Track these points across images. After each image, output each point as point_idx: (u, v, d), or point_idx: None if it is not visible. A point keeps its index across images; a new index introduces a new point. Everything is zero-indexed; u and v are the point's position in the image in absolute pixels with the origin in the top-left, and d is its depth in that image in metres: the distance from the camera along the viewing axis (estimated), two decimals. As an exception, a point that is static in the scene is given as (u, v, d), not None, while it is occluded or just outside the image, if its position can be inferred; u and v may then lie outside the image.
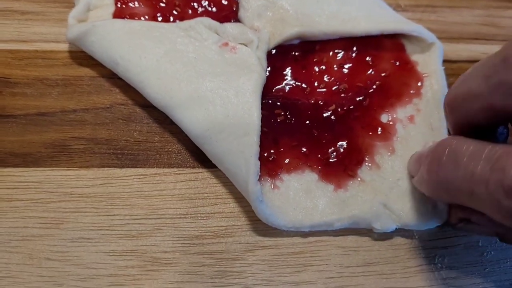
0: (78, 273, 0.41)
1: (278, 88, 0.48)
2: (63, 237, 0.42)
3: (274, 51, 0.49)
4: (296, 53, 0.49)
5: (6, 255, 0.41)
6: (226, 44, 0.47)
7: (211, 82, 0.44)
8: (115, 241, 0.42)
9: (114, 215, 0.43)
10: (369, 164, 0.45)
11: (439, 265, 0.43)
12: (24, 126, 0.46)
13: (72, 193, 0.44)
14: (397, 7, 0.54)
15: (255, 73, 0.45)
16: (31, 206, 0.43)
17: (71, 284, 0.41)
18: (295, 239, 0.43)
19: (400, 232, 0.44)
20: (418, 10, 0.54)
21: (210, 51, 0.46)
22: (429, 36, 0.48)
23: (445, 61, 0.49)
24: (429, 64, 0.48)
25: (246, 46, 0.47)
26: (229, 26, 0.48)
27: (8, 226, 0.42)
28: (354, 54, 0.49)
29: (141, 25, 0.47)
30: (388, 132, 0.46)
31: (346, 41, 0.49)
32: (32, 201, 0.43)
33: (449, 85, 0.48)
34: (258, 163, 0.41)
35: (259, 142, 0.42)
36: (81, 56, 0.49)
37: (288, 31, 0.48)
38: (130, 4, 0.50)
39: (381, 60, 0.49)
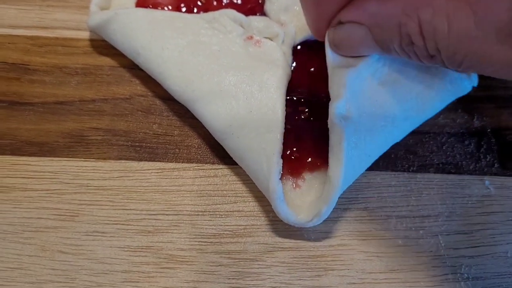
0: (91, 267, 0.40)
1: (303, 84, 0.46)
2: (77, 230, 0.41)
3: (299, 46, 0.47)
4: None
5: (18, 246, 0.40)
6: (251, 37, 0.46)
7: (234, 76, 0.43)
8: (131, 236, 0.41)
9: (130, 209, 0.42)
10: None
11: (465, 275, 0.41)
12: (42, 114, 0.45)
13: (88, 185, 0.42)
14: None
15: (280, 69, 0.43)
16: (45, 196, 0.42)
17: (83, 278, 0.39)
18: (316, 242, 0.41)
19: (426, 238, 0.42)
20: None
21: (234, 44, 0.45)
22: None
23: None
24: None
25: (271, 40, 0.46)
26: (254, 19, 0.47)
27: (22, 216, 0.41)
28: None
29: (164, 15, 0.46)
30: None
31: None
32: (47, 191, 0.42)
33: (482, 88, 0.47)
34: (281, 161, 0.40)
35: (282, 140, 0.40)
36: (101, 45, 0.48)
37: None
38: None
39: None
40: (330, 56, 0.39)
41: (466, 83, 0.45)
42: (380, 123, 0.41)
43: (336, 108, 0.38)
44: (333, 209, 0.42)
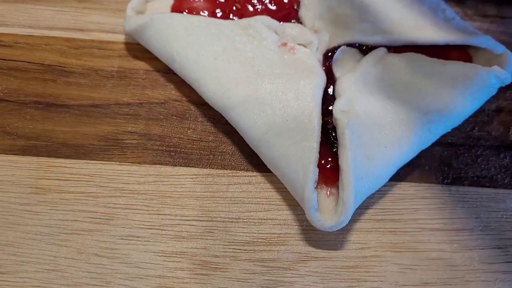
0: (126, 271, 0.40)
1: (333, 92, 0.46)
2: (112, 233, 0.41)
3: (329, 53, 0.47)
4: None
5: (55, 248, 0.41)
6: (285, 44, 0.45)
7: (270, 83, 0.43)
8: (165, 242, 0.41)
9: (164, 214, 0.42)
10: None
11: (499, 290, 0.41)
12: (78, 117, 0.45)
13: (123, 189, 0.43)
14: (464, 16, 0.51)
15: (316, 76, 0.43)
16: (81, 199, 0.42)
17: (118, 282, 0.40)
18: (350, 252, 0.41)
19: (460, 252, 0.41)
20: (486, 21, 0.52)
21: (268, 51, 0.45)
22: (499, 48, 0.46)
23: (513, 75, 0.46)
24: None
25: (305, 47, 0.46)
26: (289, 26, 0.47)
27: (58, 218, 0.41)
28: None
29: (199, 21, 0.46)
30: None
31: (410, 49, 0.47)
32: (83, 194, 0.42)
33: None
34: (317, 170, 0.40)
35: (318, 149, 0.40)
36: (137, 49, 0.48)
37: (350, 35, 0.47)
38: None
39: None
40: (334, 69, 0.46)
41: (493, 81, 0.44)
42: (392, 119, 0.42)
43: (338, 106, 0.42)
44: (367, 219, 0.42)
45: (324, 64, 0.46)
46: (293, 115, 0.41)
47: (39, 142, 0.44)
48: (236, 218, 0.42)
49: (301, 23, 0.48)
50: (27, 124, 0.45)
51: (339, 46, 0.47)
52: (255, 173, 0.44)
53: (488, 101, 0.46)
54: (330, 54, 0.46)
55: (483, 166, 0.45)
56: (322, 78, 0.44)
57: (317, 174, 0.40)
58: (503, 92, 0.48)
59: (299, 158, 0.40)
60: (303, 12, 0.48)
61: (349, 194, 0.39)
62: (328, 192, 0.42)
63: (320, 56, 0.46)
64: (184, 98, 0.47)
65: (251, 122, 0.42)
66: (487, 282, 0.41)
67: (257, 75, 0.43)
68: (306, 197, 0.39)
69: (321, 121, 0.42)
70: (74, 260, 0.40)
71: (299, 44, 0.46)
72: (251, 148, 0.43)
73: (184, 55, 0.44)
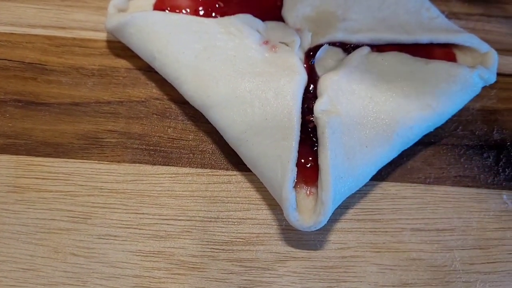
0: (103, 271, 0.40)
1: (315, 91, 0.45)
2: (90, 232, 0.41)
3: (312, 52, 0.46)
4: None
5: (31, 247, 0.40)
6: (267, 42, 0.45)
7: (250, 82, 0.42)
8: (143, 241, 0.41)
9: (143, 213, 0.42)
10: None
11: (480, 291, 0.40)
12: (57, 115, 0.45)
13: (102, 187, 0.42)
14: (450, 15, 0.51)
15: (297, 75, 0.43)
16: (59, 198, 0.42)
17: (95, 282, 0.39)
18: (329, 252, 0.41)
19: (441, 252, 0.41)
20: (472, 19, 0.51)
21: (250, 49, 0.44)
22: (483, 47, 0.45)
23: (498, 74, 0.45)
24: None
25: (287, 45, 0.45)
26: (271, 25, 0.47)
27: (36, 217, 0.41)
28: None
29: (180, 19, 0.45)
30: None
31: (394, 48, 0.46)
32: (61, 193, 0.42)
33: (502, 100, 0.46)
34: (295, 169, 0.40)
35: (297, 148, 0.40)
36: (118, 46, 0.48)
37: (333, 33, 0.46)
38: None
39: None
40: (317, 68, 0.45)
41: (476, 80, 0.43)
42: (373, 118, 0.42)
43: (318, 105, 0.41)
44: (347, 219, 0.42)
45: (306, 63, 0.46)
46: (272, 114, 0.41)
47: (18, 141, 0.44)
48: (215, 218, 0.42)
49: (284, 21, 0.48)
50: (7, 122, 0.45)
51: (322, 45, 0.46)
52: (235, 172, 0.44)
53: (473, 100, 0.45)
54: (312, 53, 0.46)
55: (466, 165, 0.45)
56: (303, 76, 0.43)
57: (296, 173, 0.40)
58: (487, 91, 0.47)
59: (277, 157, 0.40)
60: (286, 11, 0.48)
61: (328, 194, 0.39)
62: (308, 192, 0.41)
63: (302, 55, 0.46)
64: (165, 97, 0.46)
65: (230, 121, 0.41)
66: (468, 283, 0.40)
67: (238, 73, 0.43)
68: (284, 196, 0.39)
69: (300, 120, 0.41)
70: (51, 259, 0.40)
71: (281, 43, 0.46)
72: (231, 147, 0.43)
73: (164, 53, 0.44)
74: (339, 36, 0.46)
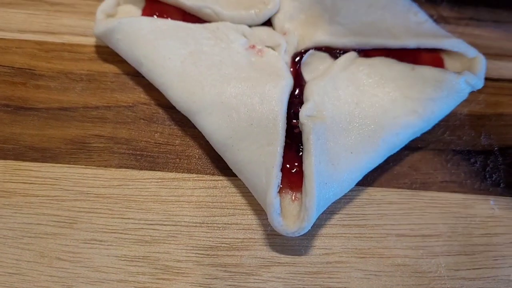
0: (88, 275, 0.40)
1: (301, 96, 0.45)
2: (75, 237, 0.41)
3: (298, 56, 0.46)
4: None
5: (17, 251, 0.41)
6: (253, 46, 0.45)
7: (235, 87, 0.42)
8: (128, 246, 0.41)
9: (128, 218, 0.42)
10: None
11: (466, 297, 0.40)
12: (46, 120, 0.45)
13: (88, 192, 0.43)
14: (439, 19, 0.51)
15: (282, 79, 0.43)
16: (46, 202, 0.42)
17: (80, 286, 0.40)
18: (314, 258, 0.41)
19: (426, 258, 0.41)
20: (461, 23, 0.51)
21: (236, 54, 0.45)
22: (471, 52, 0.45)
23: (486, 79, 0.45)
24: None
25: (273, 49, 0.46)
26: (257, 29, 0.47)
27: (22, 221, 0.41)
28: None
29: (167, 25, 0.46)
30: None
31: (380, 52, 0.46)
32: (48, 197, 0.42)
33: (490, 105, 0.46)
34: (280, 174, 0.40)
35: (282, 153, 0.40)
36: (107, 52, 0.48)
37: (319, 37, 0.46)
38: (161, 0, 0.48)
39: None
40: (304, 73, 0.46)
41: (463, 86, 0.43)
42: (359, 124, 0.42)
43: (304, 111, 0.41)
44: (333, 225, 0.42)
45: (293, 67, 0.46)
46: (257, 119, 0.41)
47: (6, 145, 0.44)
48: (200, 223, 0.42)
49: (269, 25, 0.48)
50: (-5, 127, 0.45)
51: (308, 49, 0.46)
52: (221, 177, 0.44)
53: (460, 105, 0.45)
54: (299, 57, 0.46)
55: (452, 171, 0.45)
56: (288, 81, 0.43)
57: (281, 178, 0.40)
58: (475, 96, 0.47)
59: (262, 163, 0.40)
60: (275, 13, 0.48)
61: (312, 200, 0.39)
62: (293, 197, 0.41)
63: (288, 59, 0.46)
64: (152, 102, 0.47)
65: (216, 126, 0.42)
66: (452, 289, 0.40)
67: (223, 78, 0.43)
68: (269, 202, 0.39)
69: (285, 125, 0.41)
70: (37, 264, 0.40)
71: (268, 47, 0.46)
72: (217, 153, 0.43)
73: (150, 59, 0.44)
74: (326, 40, 0.46)
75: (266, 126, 0.41)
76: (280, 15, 0.47)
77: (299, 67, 0.45)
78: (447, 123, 0.46)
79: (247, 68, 0.43)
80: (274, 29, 0.48)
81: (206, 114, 0.42)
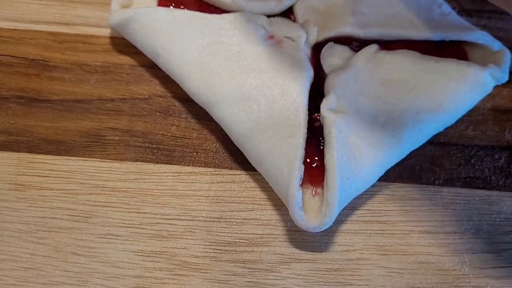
0: (104, 271, 0.39)
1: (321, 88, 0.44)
2: (91, 231, 0.40)
3: (319, 47, 0.45)
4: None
5: (32, 245, 0.40)
6: (272, 37, 0.44)
7: (255, 79, 0.41)
8: (144, 241, 0.40)
9: (145, 212, 0.41)
10: None
11: (491, 296, 0.39)
12: (60, 112, 0.44)
13: (104, 186, 0.42)
14: (461, 12, 0.49)
15: (303, 71, 0.42)
16: (61, 196, 0.41)
17: (95, 282, 0.39)
18: (335, 255, 0.40)
19: (450, 256, 0.40)
20: (483, 16, 0.50)
21: (255, 44, 0.43)
22: (495, 45, 0.44)
23: (511, 73, 0.44)
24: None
25: (293, 40, 0.45)
26: (276, 19, 0.46)
27: (37, 215, 0.41)
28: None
29: (185, 15, 0.45)
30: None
31: (402, 44, 0.45)
32: (63, 191, 0.41)
33: (515, 99, 0.44)
34: (303, 167, 0.39)
35: (304, 145, 0.39)
36: (122, 43, 0.47)
37: (340, 28, 0.45)
38: (177, -9, 0.47)
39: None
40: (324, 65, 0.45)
41: (488, 80, 0.42)
42: (382, 118, 0.41)
43: (325, 104, 0.40)
44: (354, 221, 0.41)
45: (313, 58, 0.45)
46: (278, 111, 0.40)
47: (20, 138, 0.43)
48: (218, 218, 0.41)
49: (288, 17, 0.47)
50: (9, 119, 0.44)
51: (328, 40, 0.45)
52: (239, 172, 0.43)
53: (484, 100, 0.44)
54: (318, 49, 0.45)
55: (476, 167, 0.43)
56: (309, 73, 0.42)
57: (303, 171, 0.39)
58: (499, 90, 0.46)
59: (284, 155, 0.39)
60: (296, 3, 0.47)
61: (334, 195, 0.38)
62: (313, 192, 0.40)
63: (308, 50, 0.45)
64: (168, 94, 0.46)
65: (235, 118, 0.41)
66: (477, 287, 0.39)
67: (242, 69, 0.42)
68: (291, 194, 0.38)
69: (307, 117, 0.40)
70: (51, 259, 0.39)
71: (287, 38, 0.45)
72: (235, 146, 0.42)
73: (168, 50, 0.43)
74: (347, 30, 0.45)
75: (288, 118, 0.40)
76: (300, 4, 0.46)
77: (319, 58, 0.44)
78: (470, 118, 0.45)
79: (267, 59, 0.42)
80: (294, 19, 0.46)
81: (225, 105, 0.41)
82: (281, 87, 0.41)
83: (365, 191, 0.40)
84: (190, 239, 0.40)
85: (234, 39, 0.43)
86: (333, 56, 0.45)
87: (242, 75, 0.41)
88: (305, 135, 0.39)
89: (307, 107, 0.41)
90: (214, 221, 0.41)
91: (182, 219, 0.41)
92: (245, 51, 0.43)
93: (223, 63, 0.42)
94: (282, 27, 0.45)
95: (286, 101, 0.40)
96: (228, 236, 0.40)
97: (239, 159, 0.42)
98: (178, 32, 0.43)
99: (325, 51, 0.45)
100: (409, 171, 0.43)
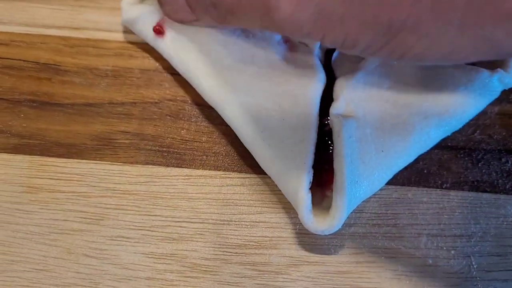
0: (115, 273, 0.40)
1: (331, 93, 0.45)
2: (102, 234, 0.41)
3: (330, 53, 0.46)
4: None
5: (44, 247, 0.40)
6: (287, 41, 0.45)
7: (268, 82, 0.42)
8: (155, 243, 0.40)
9: (155, 215, 0.41)
10: None
11: (498, 299, 0.39)
12: (71, 116, 0.45)
13: (115, 189, 0.42)
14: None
15: (316, 76, 0.42)
16: (72, 199, 0.42)
17: (107, 283, 0.39)
18: (343, 257, 0.40)
19: (457, 259, 0.40)
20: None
21: (268, 48, 0.44)
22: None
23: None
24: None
25: (306, 46, 0.45)
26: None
27: (49, 218, 0.41)
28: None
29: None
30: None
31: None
32: (74, 194, 0.42)
33: (522, 104, 0.45)
34: (312, 171, 0.39)
35: (314, 150, 0.40)
36: (132, 47, 0.48)
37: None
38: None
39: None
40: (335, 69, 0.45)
41: (496, 85, 0.43)
42: (390, 122, 0.41)
43: (334, 108, 0.41)
44: (362, 224, 0.41)
45: (325, 63, 0.45)
46: (290, 115, 0.41)
47: (32, 141, 0.44)
48: (227, 221, 0.41)
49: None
50: (21, 122, 0.45)
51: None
52: (248, 175, 0.43)
53: (491, 104, 0.44)
54: (331, 52, 0.46)
55: (484, 170, 0.44)
56: (321, 78, 0.43)
57: (312, 175, 0.39)
58: (506, 94, 0.46)
59: (294, 158, 0.39)
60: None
61: (343, 198, 0.38)
62: (322, 195, 0.41)
63: (321, 55, 0.45)
64: (178, 98, 0.46)
65: (246, 121, 0.41)
66: (485, 290, 0.40)
67: (256, 72, 0.42)
68: (300, 197, 0.38)
69: (318, 122, 0.41)
70: (64, 260, 0.40)
71: (300, 43, 0.45)
72: (244, 149, 0.42)
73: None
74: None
75: (299, 122, 0.40)
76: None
77: (331, 63, 0.45)
78: (477, 122, 0.45)
79: (280, 63, 0.43)
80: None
81: (237, 108, 0.41)
82: (294, 91, 0.41)
83: (373, 195, 0.41)
84: (200, 241, 0.41)
85: (248, 43, 0.44)
86: (343, 60, 0.45)
87: (255, 78, 0.42)
88: (315, 140, 0.40)
89: (318, 111, 0.41)
90: (224, 224, 0.41)
91: (192, 222, 0.41)
92: (258, 54, 0.43)
93: (236, 65, 0.43)
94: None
95: (298, 106, 0.41)
96: (237, 239, 0.41)
97: (249, 163, 0.43)
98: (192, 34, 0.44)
99: (337, 56, 0.45)
100: (417, 175, 0.43)
